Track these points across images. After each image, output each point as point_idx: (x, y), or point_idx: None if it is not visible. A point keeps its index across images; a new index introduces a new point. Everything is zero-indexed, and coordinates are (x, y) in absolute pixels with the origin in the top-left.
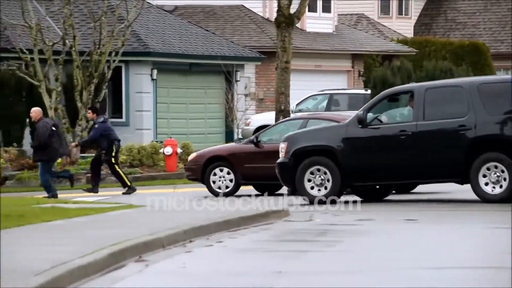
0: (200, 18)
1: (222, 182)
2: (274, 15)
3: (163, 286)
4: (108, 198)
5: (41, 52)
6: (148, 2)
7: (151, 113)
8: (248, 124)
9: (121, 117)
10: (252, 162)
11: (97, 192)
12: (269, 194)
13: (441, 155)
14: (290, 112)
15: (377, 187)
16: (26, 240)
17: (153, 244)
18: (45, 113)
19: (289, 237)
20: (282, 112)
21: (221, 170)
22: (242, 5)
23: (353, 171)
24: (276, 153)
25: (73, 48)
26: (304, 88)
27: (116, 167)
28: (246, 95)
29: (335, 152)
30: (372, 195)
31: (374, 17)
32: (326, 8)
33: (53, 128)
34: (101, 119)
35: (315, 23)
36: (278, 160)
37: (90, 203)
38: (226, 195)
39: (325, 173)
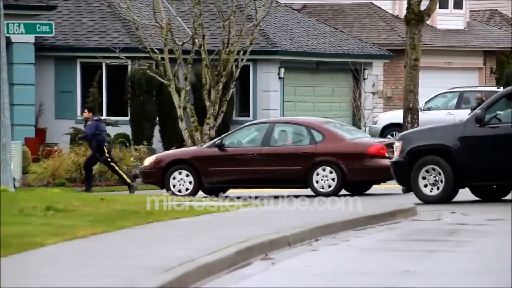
0: (328, 16)
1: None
2: (404, 12)
3: (288, 284)
4: (233, 196)
5: (171, 51)
6: (277, 1)
7: (278, 111)
8: (375, 123)
9: (248, 116)
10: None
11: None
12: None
13: None
14: (419, 110)
15: (494, 187)
16: (154, 237)
17: (279, 242)
18: (173, 112)
19: (416, 236)
20: (411, 110)
21: None
22: (371, 2)
23: (470, 170)
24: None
25: (202, 48)
26: (433, 86)
27: (115, 166)
28: (373, 93)
29: (451, 151)
30: (490, 195)
31: (508, 13)
32: (458, 4)
33: None
34: (95, 118)
35: (446, 19)
36: (393, 159)
37: (216, 202)
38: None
39: (440, 173)
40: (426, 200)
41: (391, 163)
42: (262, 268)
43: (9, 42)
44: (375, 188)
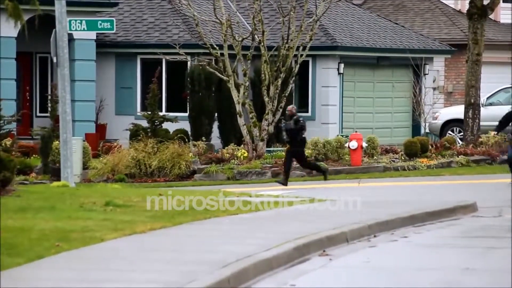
0: (389, 11)
1: None
2: (466, 6)
3: (346, 280)
4: (292, 192)
5: (230, 47)
6: None
7: (337, 107)
8: (436, 118)
9: (307, 111)
10: None
11: (286, 185)
12: None
13: None
14: (480, 105)
15: None
16: (212, 233)
17: (337, 238)
18: (232, 108)
19: (477, 233)
20: (472, 106)
21: None
22: None
23: None
24: None
25: (262, 43)
26: (495, 81)
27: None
28: (434, 89)
29: None
30: None
31: None
32: None
33: None
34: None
35: (510, 13)
36: None
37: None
38: None
39: None
40: None
41: None
42: (320, 264)
43: (71, 39)
44: None
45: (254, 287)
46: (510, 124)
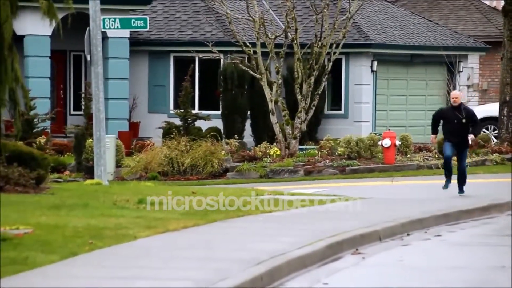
0: (423, 8)
1: None
2: (502, 3)
3: (379, 279)
4: (324, 190)
5: (263, 45)
6: None
7: (370, 105)
8: None
9: (340, 109)
10: None
11: None
12: None
13: None
14: None
15: None
16: (245, 231)
17: (370, 236)
18: (265, 106)
19: (511, 231)
20: (507, 103)
21: None
22: None
23: None
24: None
25: (295, 41)
26: None
27: None
28: (468, 86)
29: None
30: None
31: None
32: None
33: None
34: None
35: None
36: None
37: (307, 195)
38: None
39: None
40: None
41: None
42: (353, 263)
43: (104, 37)
44: None
45: (287, 285)
46: None
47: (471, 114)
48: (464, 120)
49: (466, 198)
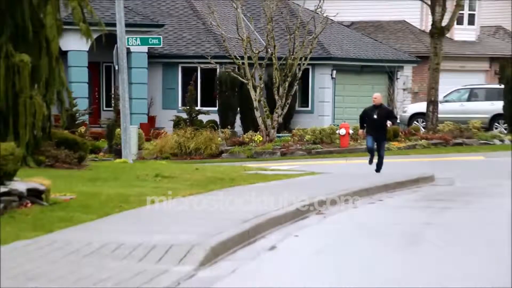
0: (370, 31)
1: None
2: (429, 27)
3: (336, 232)
4: (296, 167)
5: (249, 58)
6: (331, 19)
7: (330, 103)
8: (405, 112)
9: (307, 107)
10: None
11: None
12: None
13: None
14: (438, 102)
15: None
16: (235, 197)
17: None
18: (250, 104)
19: (435, 197)
20: (432, 102)
21: None
22: (403, 20)
23: None
24: None
25: (273, 55)
26: (450, 84)
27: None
28: (404, 90)
29: None
30: None
31: (509, 28)
32: (471, 21)
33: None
34: None
35: (462, 33)
36: None
37: (283, 171)
38: None
39: None
40: None
41: None
42: (317, 221)
43: (128, 52)
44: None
45: (267, 237)
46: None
47: (388, 112)
48: (378, 117)
49: (400, 172)
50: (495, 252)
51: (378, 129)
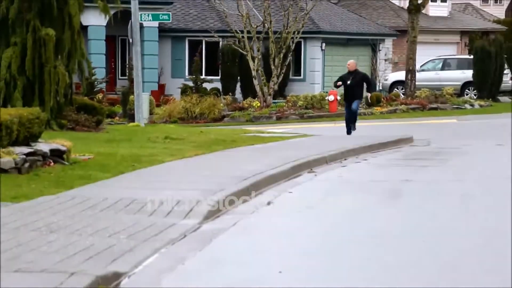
0: (355, 7)
1: None
2: (407, 4)
3: (326, 188)
4: (289, 130)
5: (248, 32)
6: None
7: (320, 72)
8: (386, 80)
9: (300, 76)
10: None
11: None
12: None
13: None
14: (416, 71)
15: None
16: (236, 157)
17: (320, 160)
18: (249, 73)
19: (414, 156)
20: (410, 72)
21: None
22: None
23: None
24: None
25: (270, 29)
26: (426, 54)
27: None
28: (385, 60)
29: None
30: None
31: (477, 4)
32: None
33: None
34: None
35: (435, 9)
36: None
37: (278, 134)
38: None
39: None
40: None
41: None
42: (308, 178)
43: (141, 26)
44: None
45: (264, 194)
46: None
47: (362, 77)
48: (353, 82)
49: (382, 134)
50: (467, 204)
51: (354, 93)
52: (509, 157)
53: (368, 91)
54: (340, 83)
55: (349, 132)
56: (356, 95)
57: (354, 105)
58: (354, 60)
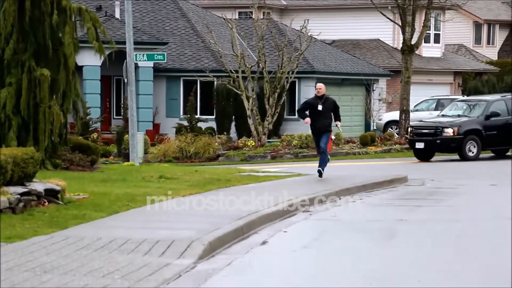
0: (349, 48)
1: None
2: (400, 45)
3: (321, 228)
4: (284, 169)
5: (243, 72)
6: (315, 38)
7: None
8: (380, 119)
9: (294, 115)
10: None
11: None
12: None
13: None
14: (410, 111)
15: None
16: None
17: (314, 200)
18: (244, 113)
19: (408, 196)
20: (404, 111)
21: None
22: (378, 38)
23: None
24: None
25: (264, 69)
26: (420, 95)
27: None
28: (379, 100)
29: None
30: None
31: (470, 46)
32: (437, 40)
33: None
34: None
35: (429, 50)
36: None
37: (273, 173)
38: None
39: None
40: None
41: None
42: (303, 218)
43: (136, 66)
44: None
45: (259, 233)
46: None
47: (334, 103)
48: (323, 108)
49: (378, 174)
50: (463, 245)
51: (324, 122)
52: (505, 197)
53: (335, 119)
54: (307, 112)
55: (320, 175)
56: (325, 124)
57: (323, 143)
58: (348, 98)
